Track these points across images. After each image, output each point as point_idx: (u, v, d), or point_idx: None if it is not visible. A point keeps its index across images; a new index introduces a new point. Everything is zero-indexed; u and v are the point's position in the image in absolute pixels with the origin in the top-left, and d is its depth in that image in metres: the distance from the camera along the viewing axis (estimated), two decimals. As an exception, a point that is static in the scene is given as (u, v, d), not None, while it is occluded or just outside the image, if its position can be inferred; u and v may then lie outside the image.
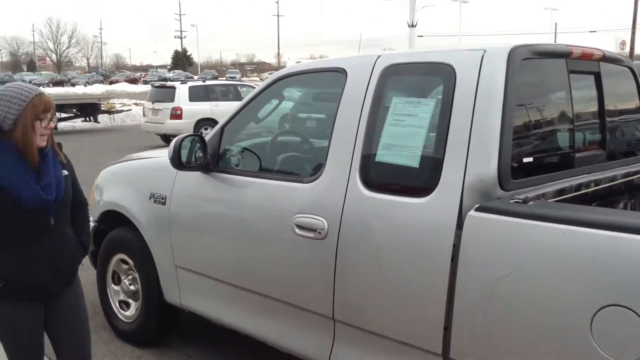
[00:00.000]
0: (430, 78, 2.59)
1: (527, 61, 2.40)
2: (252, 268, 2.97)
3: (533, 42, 2.54)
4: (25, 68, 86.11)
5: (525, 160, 2.46)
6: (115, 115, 20.23)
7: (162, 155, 3.49)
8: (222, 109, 12.98)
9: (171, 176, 3.37)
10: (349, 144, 2.61)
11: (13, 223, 2.20)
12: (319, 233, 2.61)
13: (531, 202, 2.13)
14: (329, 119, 2.84)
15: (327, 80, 3.19)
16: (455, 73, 2.37)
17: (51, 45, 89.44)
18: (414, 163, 2.41)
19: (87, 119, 18.81)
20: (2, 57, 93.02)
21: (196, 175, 3.24)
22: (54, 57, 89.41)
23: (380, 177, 2.57)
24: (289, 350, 2.89)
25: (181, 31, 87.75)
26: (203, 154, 3.16)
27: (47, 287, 2.32)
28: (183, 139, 3.10)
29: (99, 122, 19.08)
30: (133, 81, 53.73)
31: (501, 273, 2.04)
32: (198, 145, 3.15)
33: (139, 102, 22.28)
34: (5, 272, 2.21)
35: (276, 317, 2.91)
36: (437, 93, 2.49)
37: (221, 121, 3.32)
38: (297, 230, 2.69)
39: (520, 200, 2.15)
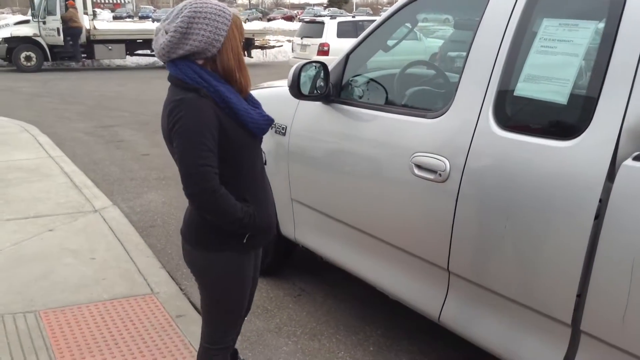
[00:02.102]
0: (594, -4, 2.09)
1: None
2: (366, 208, 2.75)
3: None
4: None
5: None
6: (267, 51, 20.75)
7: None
8: (369, 46, 12.61)
9: (293, 107, 3.23)
10: (484, 75, 2.24)
11: (251, 160, 1.91)
12: (439, 175, 2.31)
13: None
14: (466, 48, 2.46)
15: (466, 2, 2.77)
16: None
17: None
18: (562, 99, 1.99)
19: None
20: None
21: (317, 106, 3.06)
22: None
23: (517, 114, 2.19)
24: (398, 298, 2.68)
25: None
26: (325, 83, 2.95)
27: (272, 230, 2.04)
28: (303, 66, 2.90)
29: (252, 57, 19.72)
30: (289, 18, 54.84)
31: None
32: (321, 74, 2.95)
33: (292, 39, 22.61)
34: (260, 221, 1.87)
35: (388, 262, 2.70)
36: (600, 15, 2.01)
37: (346, 49, 3.07)
38: (416, 171, 2.41)
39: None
